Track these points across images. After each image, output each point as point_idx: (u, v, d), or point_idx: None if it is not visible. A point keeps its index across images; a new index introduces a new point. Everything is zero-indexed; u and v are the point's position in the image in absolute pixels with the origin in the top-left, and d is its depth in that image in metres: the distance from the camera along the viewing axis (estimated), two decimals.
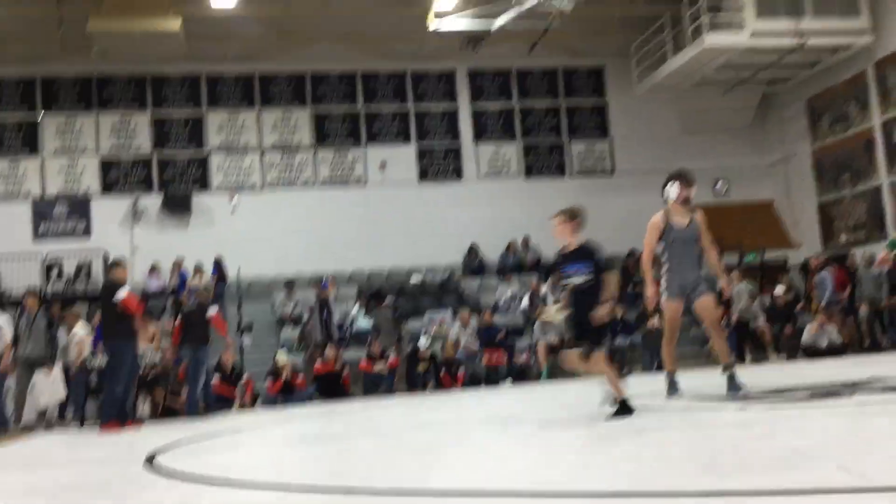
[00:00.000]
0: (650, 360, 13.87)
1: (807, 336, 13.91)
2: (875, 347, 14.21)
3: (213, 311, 11.49)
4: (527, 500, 2.75)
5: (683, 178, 6.50)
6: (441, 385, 13.20)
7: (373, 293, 15.72)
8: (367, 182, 18.61)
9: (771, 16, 16.17)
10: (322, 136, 18.64)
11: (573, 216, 5.56)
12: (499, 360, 13.81)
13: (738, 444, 3.62)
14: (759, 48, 16.44)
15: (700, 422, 4.94)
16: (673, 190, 6.48)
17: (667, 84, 18.31)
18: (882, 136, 16.96)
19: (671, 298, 6.53)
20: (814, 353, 13.56)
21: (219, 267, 16.58)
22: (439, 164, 19.03)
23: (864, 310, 14.61)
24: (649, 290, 6.61)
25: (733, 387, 6.31)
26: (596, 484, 2.94)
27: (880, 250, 15.32)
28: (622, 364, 14.31)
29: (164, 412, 11.32)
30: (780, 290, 15.31)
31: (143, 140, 17.88)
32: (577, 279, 5.34)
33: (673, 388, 6.65)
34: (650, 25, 18.11)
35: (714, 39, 16.22)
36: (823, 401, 5.47)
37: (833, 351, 13.50)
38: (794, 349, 14.30)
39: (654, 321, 13.38)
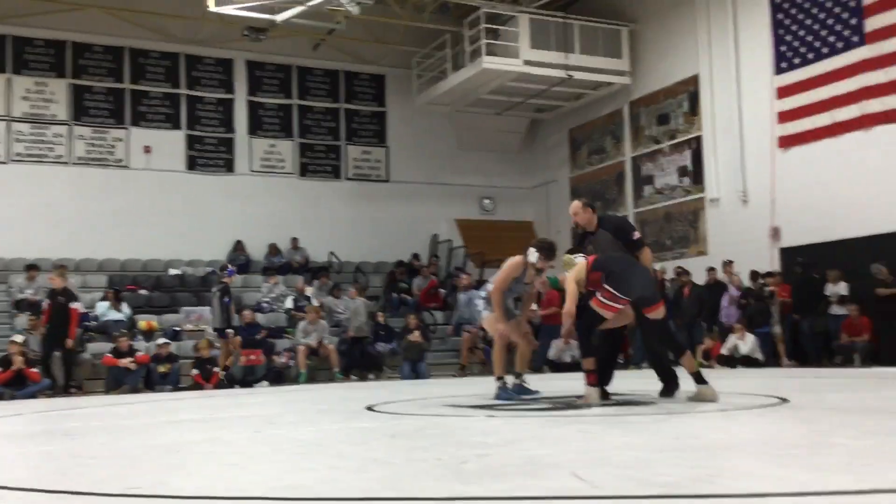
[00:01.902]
0: (408, 369, 14.12)
1: (553, 350, 14.78)
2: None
3: None
4: None
5: (551, 253, 7.01)
6: (194, 384, 12.65)
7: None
8: (128, 165, 17.52)
9: (543, 47, 17.16)
10: (81, 111, 17.29)
11: None
12: (257, 359, 13.46)
13: (483, 451, 3.72)
14: (531, 76, 17.36)
15: (451, 428, 5.05)
16: (537, 256, 6.88)
17: (444, 100, 18.89)
18: (631, 169, 18.48)
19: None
20: (559, 367, 14.44)
21: None
22: (210, 155, 18.30)
23: None
24: (502, 324, 7.01)
25: (525, 391, 7.08)
26: (342, 489, 2.89)
27: None
28: (380, 369, 14.49)
29: None
30: (533, 305, 16.15)
31: None
32: None
33: (506, 391, 7.02)
34: (432, 41, 18.58)
35: (490, 63, 16.93)
36: (564, 412, 5.80)
37: (578, 365, 14.44)
38: (540, 363, 15.12)
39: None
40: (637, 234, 6.80)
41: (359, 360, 14.50)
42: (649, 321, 6.21)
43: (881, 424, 4.42)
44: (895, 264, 12.66)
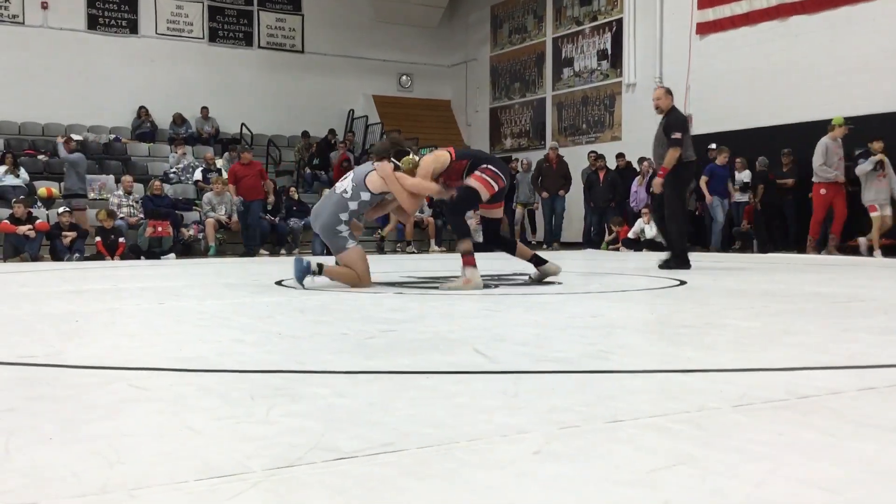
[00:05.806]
0: (321, 245, 14.04)
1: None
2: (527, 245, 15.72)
3: None
4: (163, 375, 2.61)
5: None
6: (97, 254, 12.36)
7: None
8: (23, 22, 16.42)
9: None
10: None
11: None
12: (164, 231, 13.17)
13: (389, 327, 3.76)
14: None
15: (359, 304, 5.07)
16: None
17: None
18: (552, 51, 18.33)
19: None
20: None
21: None
22: (112, 14, 17.28)
23: (518, 211, 16.02)
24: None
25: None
26: (243, 361, 2.88)
27: (538, 156, 16.75)
28: (294, 244, 14.40)
29: None
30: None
31: None
32: None
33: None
34: None
35: None
36: (470, 292, 5.88)
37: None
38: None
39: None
40: (676, 135, 7.65)
41: (269, 234, 14.39)
42: (493, 219, 6.31)
43: (769, 307, 4.64)
44: (799, 154, 13.05)
